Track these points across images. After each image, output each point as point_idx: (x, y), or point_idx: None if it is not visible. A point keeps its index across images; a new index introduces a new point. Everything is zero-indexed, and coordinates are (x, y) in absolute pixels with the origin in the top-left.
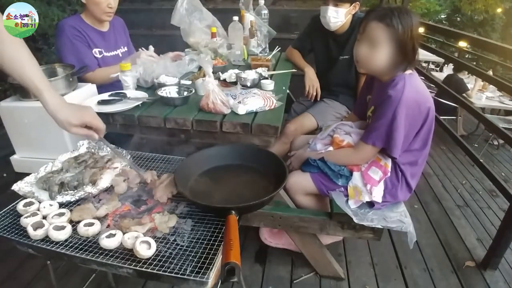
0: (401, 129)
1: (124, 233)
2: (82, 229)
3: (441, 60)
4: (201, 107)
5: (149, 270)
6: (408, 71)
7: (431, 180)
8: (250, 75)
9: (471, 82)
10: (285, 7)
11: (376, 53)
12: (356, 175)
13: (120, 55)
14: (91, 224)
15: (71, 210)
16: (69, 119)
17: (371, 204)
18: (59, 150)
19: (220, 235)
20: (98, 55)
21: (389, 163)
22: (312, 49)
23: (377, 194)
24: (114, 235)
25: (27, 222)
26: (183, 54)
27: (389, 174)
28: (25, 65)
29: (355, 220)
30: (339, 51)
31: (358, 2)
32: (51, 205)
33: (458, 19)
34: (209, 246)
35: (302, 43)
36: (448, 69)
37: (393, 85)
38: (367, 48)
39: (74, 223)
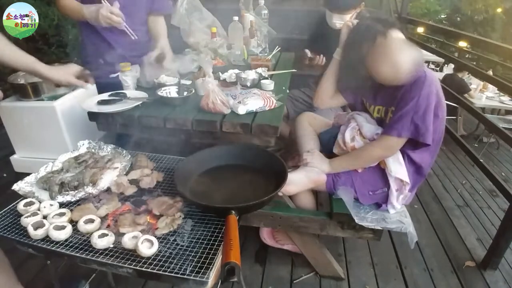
0: (431, 113)
1: (123, 234)
2: (82, 226)
3: (441, 60)
4: (201, 107)
5: (149, 270)
6: None
7: (431, 180)
8: (250, 75)
9: (473, 82)
10: (285, 7)
11: (409, 56)
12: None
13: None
14: (91, 222)
15: (71, 210)
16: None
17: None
18: (59, 150)
19: (220, 235)
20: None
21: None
22: (317, 47)
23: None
24: (107, 235)
25: (27, 222)
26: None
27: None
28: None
29: (356, 220)
30: None
31: (362, 3)
32: (51, 205)
33: (458, 19)
34: (209, 246)
35: (312, 44)
36: (448, 69)
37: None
38: (390, 60)
39: (74, 223)
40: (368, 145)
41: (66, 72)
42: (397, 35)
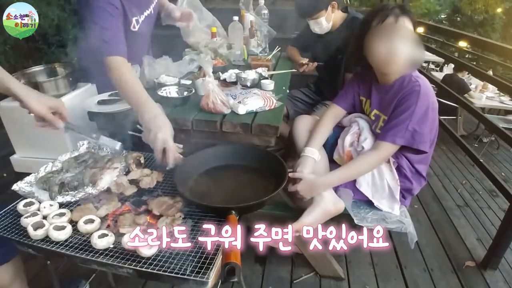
0: (427, 122)
1: (123, 234)
2: (82, 227)
3: (441, 60)
4: (201, 107)
5: (149, 270)
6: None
7: (431, 180)
8: (250, 75)
9: (473, 82)
10: (285, 7)
11: (408, 48)
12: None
13: (152, 11)
14: (91, 222)
15: (71, 210)
16: (39, 99)
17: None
18: (59, 150)
19: None
20: (136, 27)
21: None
22: (308, 49)
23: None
24: (107, 235)
25: (27, 222)
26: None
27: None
28: None
29: (356, 221)
30: (336, 50)
31: (334, 2)
32: (51, 205)
33: (458, 19)
34: None
35: (299, 41)
36: (448, 69)
37: (410, 82)
38: (403, 45)
39: (74, 223)
40: (362, 154)
41: (45, 104)
42: (407, 25)
